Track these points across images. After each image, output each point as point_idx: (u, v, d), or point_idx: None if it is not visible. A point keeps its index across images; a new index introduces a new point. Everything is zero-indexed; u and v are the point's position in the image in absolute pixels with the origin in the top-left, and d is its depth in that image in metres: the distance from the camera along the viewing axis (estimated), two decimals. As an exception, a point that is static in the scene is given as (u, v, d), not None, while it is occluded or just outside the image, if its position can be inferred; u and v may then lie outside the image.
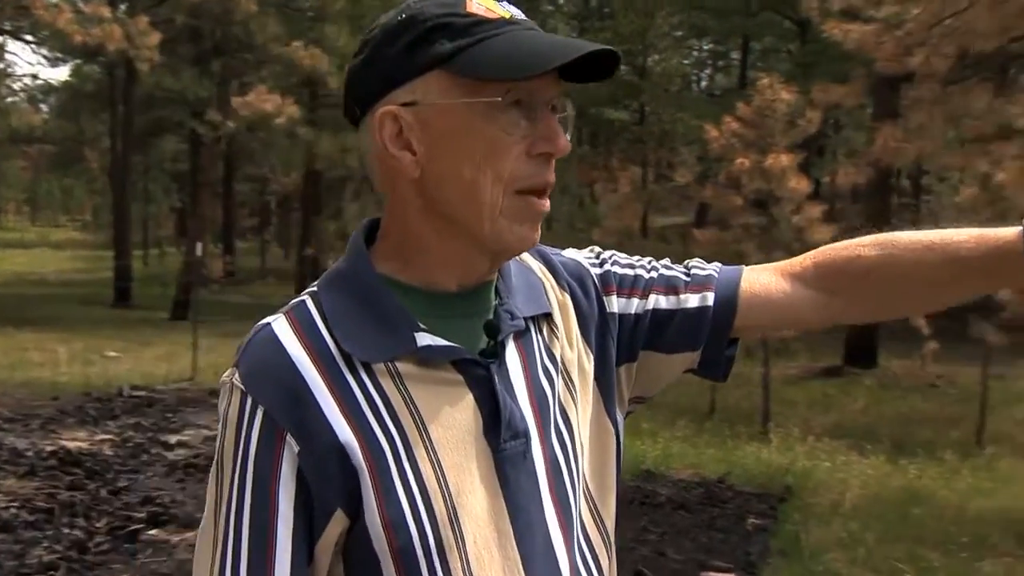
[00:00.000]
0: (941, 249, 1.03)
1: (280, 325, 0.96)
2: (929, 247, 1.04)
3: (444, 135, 0.94)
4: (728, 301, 1.10)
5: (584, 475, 1.05)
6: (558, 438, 1.02)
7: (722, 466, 7.65)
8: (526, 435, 0.99)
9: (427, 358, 0.95)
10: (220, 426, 0.95)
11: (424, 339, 0.94)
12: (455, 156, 0.94)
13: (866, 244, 1.08)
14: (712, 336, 1.10)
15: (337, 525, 0.92)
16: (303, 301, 0.99)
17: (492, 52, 0.91)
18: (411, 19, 0.93)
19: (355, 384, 0.94)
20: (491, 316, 1.01)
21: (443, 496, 0.93)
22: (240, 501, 0.92)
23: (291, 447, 0.91)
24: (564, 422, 1.03)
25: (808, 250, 1.15)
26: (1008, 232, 0.99)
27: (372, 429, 0.93)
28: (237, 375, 0.94)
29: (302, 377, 0.93)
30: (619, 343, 1.10)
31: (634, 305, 1.10)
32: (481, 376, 0.97)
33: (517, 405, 0.99)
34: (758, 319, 1.11)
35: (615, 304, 1.10)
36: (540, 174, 0.96)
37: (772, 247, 8.68)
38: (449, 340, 0.95)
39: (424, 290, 0.99)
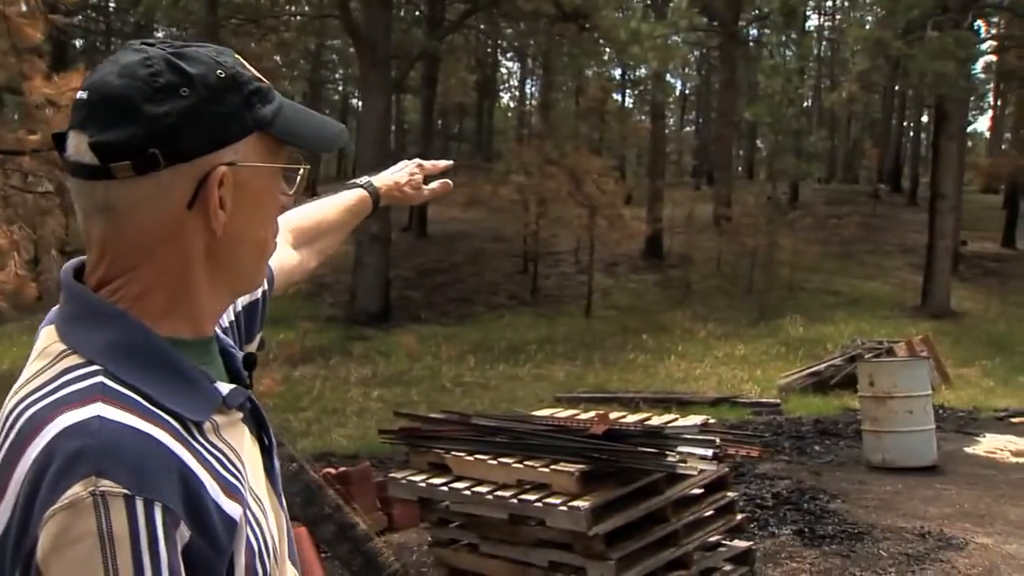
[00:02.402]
0: (340, 206, 1.55)
1: (116, 412, 0.85)
2: (331, 206, 1.55)
3: (253, 196, 0.97)
4: (271, 281, 1.29)
5: None
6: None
7: None
8: (277, 455, 1.10)
9: (228, 405, 0.98)
10: (96, 554, 0.79)
11: (223, 388, 0.97)
12: (256, 215, 0.99)
13: (304, 211, 1.50)
14: (265, 315, 1.28)
15: None
16: (102, 383, 0.87)
17: (297, 120, 1.00)
18: (233, 79, 0.94)
19: (204, 450, 0.91)
20: (218, 351, 1.05)
21: (267, 530, 0.99)
22: None
23: (183, 536, 0.84)
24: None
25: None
26: (358, 191, 1.58)
27: (237, 489, 0.93)
28: (106, 482, 0.80)
29: (179, 457, 0.87)
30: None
31: (231, 312, 1.19)
32: (248, 409, 1.03)
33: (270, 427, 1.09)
34: (278, 289, 1.34)
35: (223, 319, 1.16)
36: (277, 225, 1.07)
37: None
38: (221, 382, 0.99)
39: (193, 341, 0.99)
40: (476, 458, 4.93)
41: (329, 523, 5.16)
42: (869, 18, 30.56)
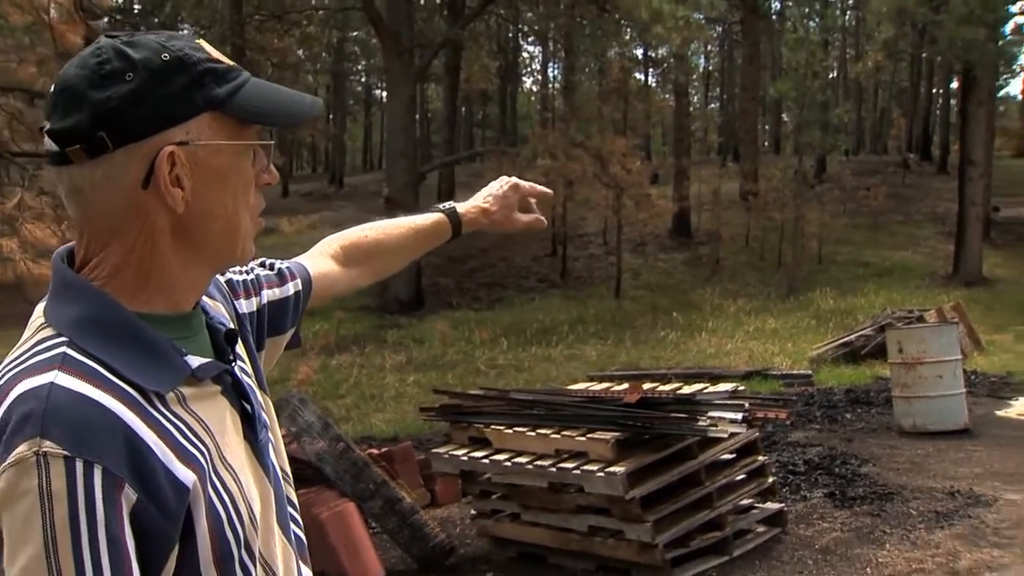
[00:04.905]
0: (408, 228, 1.56)
1: (71, 380, 0.90)
2: (400, 226, 1.55)
3: (215, 173, 1.00)
4: (307, 285, 1.38)
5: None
6: (267, 424, 1.16)
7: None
8: (266, 425, 1.14)
9: (198, 377, 1.01)
10: (37, 508, 0.85)
11: (193, 361, 1.01)
12: (222, 191, 1.02)
13: (366, 229, 1.54)
14: (299, 313, 1.37)
15: (173, 558, 0.94)
16: (65, 353, 0.93)
17: (257, 98, 1.03)
18: (179, 61, 0.97)
19: (163, 419, 0.95)
20: (204, 326, 1.09)
21: (242, 498, 1.02)
22: (99, 573, 0.86)
23: (128, 498, 0.89)
24: (265, 411, 1.16)
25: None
26: (435, 215, 1.58)
27: (196, 458, 0.96)
28: (49, 443, 0.86)
29: (127, 424, 0.91)
30: (255, 336, 1.26)
31: (254, 303, 1.28)
32: (228, 382, 1.07)
33: (257, 401, 1.12)
34: (317, 296, 1.41)
35: (243, 306, 1.25)
36: (262, 200, 1.10)
37: None
38: (198, 355, 1.03)
39: (169, 315, 1.03)
40: (515, 430, 5.14)
41: (376, 498, 5.39)
42: (892, -14, 30.18)
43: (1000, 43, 23.99)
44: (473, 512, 5.78)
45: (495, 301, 21.53)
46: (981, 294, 18.79)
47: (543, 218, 1.70)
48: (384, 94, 37.91)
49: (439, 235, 1.58)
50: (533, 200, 1.68)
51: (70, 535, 0.85)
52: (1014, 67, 44.86)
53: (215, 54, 1.02)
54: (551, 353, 15.39)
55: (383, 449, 6.86)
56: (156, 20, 30.88)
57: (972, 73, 21.60)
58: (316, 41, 29.88)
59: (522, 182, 1.66)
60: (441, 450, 5.54)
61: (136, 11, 32.42)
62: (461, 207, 1.62)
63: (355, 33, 38.19)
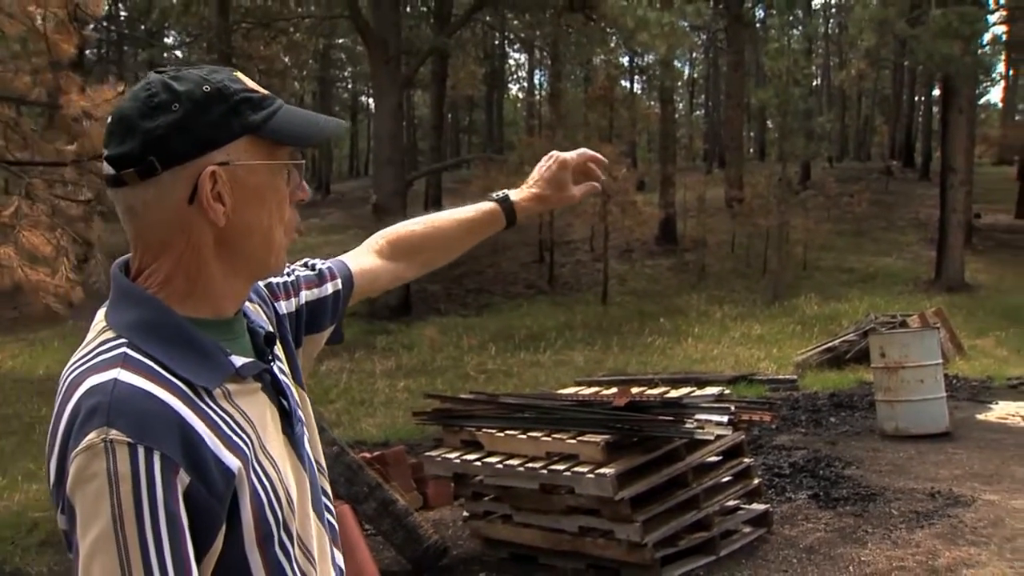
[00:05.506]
0: (457, 220, 1.60)
1: (132, 377, 1.02)
2: (448, 219, 1.60)
3: (252, 191, 1.12)
4: (348, 283, 1.48)
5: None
6: (303, 419, 1.27)
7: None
8: (301, 420, 1.26)
9: (242, 375, 1.13)
10: (105, 488, 0.96)
11: (237, 361, 1.13)
12: (259, 207, 1.14)
13: (415, 223, 1.60)
14: (339, 311, 1.47)
15: (221, 537, 1.05)
16: (126, 353, 1.05)
17: (288, 122, 1.15)
18: (219, 92, 1.10)
19: (212, 412, 1.07)
20: (246, 329, 1.21)
21: (281, 484, 1.14)
22: (160, 550, 0.97)
23: (183, 480, 1.00)
24: (299, 406, 1.27)
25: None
26: (488, 205, 1.61)
27: (240, 447, 1.08)
28: (115, 432, 0.97)
29: (181, 416, 1.02)
30: (293, 335, 1.38)
31: (293, 304, 1.40)
32: (267, 380, 1.19)
33: (293, 397, 1.24)
34: (361, 291, 1.51)
35: (283, 307, 1.38)
36: (296, 215, 1.22)
37: None
38: (241, 355, 1.15)
39: (214, 320, 1.15)
40: (506, 434, 5.25)
41: (370, 500, 5.49)
42: (875, -5, 30.56)
43: (978, 52, 24.28)
44: (465, 514, 5.88)
45: (483, 307, 21.64)
46: (963, 300, 19.02)
47: (596, 184, 1.69)
48: (371, 101, 37.98)
49: (492, 225, 1.62)
50: (593, 165, 1.68)
51: (134, 511, 0.96)
52: (993, 76, 45.46)
53: (252, 85, 1.14)
54: (539, 359, 15.49)
55: (376, 453, 6.95)
56: (143, 27, 30.89)
57: (952, 82, 21.86)
58: (303, 48, 29.95)
59: (569, 155, 1.66)
60: (434, 453, 5.64)
61: (123, 19, 32.41)
62: (515, 195, 1.64)
63: (341, 40, 38.27)
